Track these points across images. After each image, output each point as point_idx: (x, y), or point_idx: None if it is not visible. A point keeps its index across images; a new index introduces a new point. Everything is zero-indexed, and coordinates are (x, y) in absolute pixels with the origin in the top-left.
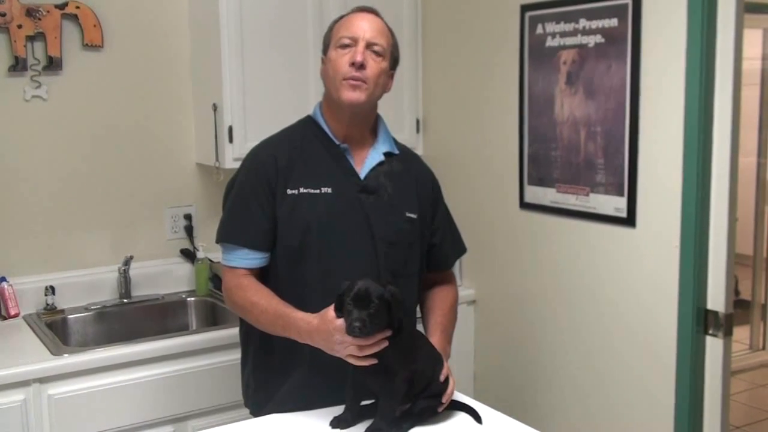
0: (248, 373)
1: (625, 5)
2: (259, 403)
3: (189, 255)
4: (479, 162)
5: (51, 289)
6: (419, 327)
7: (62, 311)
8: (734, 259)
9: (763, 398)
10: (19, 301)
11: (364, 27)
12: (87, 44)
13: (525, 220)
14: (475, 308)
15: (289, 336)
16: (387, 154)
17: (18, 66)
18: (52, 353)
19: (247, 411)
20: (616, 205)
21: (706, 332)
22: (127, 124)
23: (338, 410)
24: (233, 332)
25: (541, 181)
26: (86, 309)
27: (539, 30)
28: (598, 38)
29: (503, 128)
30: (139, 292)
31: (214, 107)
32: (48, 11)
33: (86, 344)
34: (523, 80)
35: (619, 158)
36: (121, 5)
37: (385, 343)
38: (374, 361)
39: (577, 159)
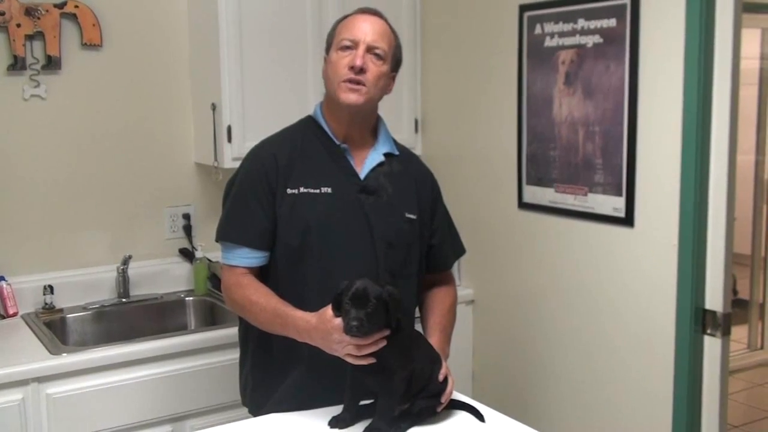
0: (247, 373)
1: (624, 5)
2: (257, 403)
3: (188, 254)
4: (478, 162)
5: (49, 289)
6: (418, 327)
7: (61, 310)
8: (732, 259)
9: (761, 397)
10: (17, 301)
11: (366, 29)
12: (86, 43)
13: (523, 220)
14: (474, 308)
15: (287, 335)
16: (387, 155)
17: (17, 65)
18: (51, 352)
19: (245, 410)
20: (614, 204)
21: (704, 332)
22: (125, 123)
23: (337, 410)
24: (232, 332)
25: (539, 181)
26: (85, 308)
27: (538, 30)
28: (597, 38)
29: (502, 128)
30: (137, 291)
31: (213, 107)
32: (47, 10)
33: (85, 344)
34: (521, 80)
35: (618, 158)
36: (120, 5)
37: (384, 343)
38: (372, 361)
39: (576, 159)
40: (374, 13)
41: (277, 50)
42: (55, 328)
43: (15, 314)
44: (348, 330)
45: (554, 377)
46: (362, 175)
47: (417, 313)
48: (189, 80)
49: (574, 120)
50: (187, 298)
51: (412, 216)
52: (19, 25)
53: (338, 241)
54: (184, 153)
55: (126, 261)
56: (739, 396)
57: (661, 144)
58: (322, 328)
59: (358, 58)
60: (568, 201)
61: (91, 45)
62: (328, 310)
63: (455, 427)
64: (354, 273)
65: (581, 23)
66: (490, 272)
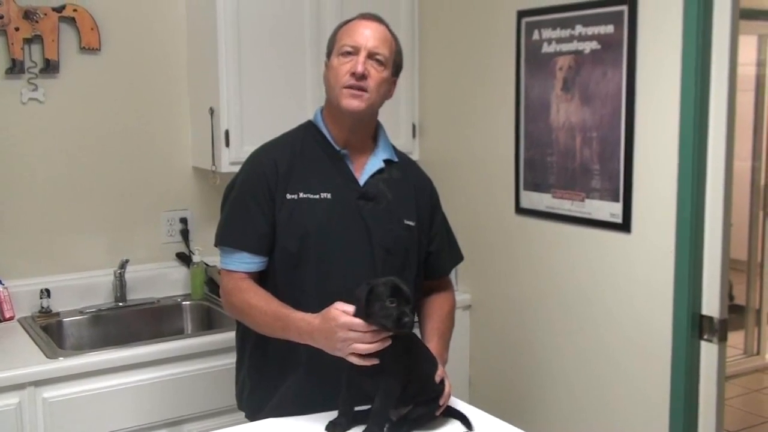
0: (243, 376)
1: (621, 12)
2: (254, 407)
3: (185, 259)
4: (475, 167)
5: (46, 292)
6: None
7: (57, 314)
8: (729, 265)
9: (757, 403)
10: (14, 304)
11: (367, 35)
12: (84, 47)
13: (521, 225)
14: (471, 313)
15: (288, 338)
16: (386, 162)
17: (15, 68)
18: (47, 356)
19: (241, 415)
20: (611, 210)
21: (701, 337)
22: (123, 127)
23: (334, 415)
24: (228, 336)
25: (536, 187)
26: (81, 312)
27: (535, 36)
28: (594, 44)
29: (499, 133)
30: (134, 295)
31: (211, 111)
32: (45, 14)
33: (81, 347)
34: (519, 86)
35: (615, 164)
36: (119, 9)
37: (389, 342)
38: (376, 361)
39: (573, 164)
40: (375, 18)
41: (276, 55)
42: (51, 332)
43: (12, 318)
44: (400, 325)
45: (551, 382)
46: (362, 181)
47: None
48: (187, 84)
49: (571, 126)
50: (183, 303)
51: (410, 223)
52: (17, 29)
53: (337, 247)
54: (182, 157)
55: (123, 265)
56: (736, 402)
57: (658, 150)
58: (326, 327)
59: (360, 64)
60: (566, 206)
61: (89, 49)
62: (332, 310)
63: None
64: (352, 279)
65: (579, 29)
66: (488, 277)
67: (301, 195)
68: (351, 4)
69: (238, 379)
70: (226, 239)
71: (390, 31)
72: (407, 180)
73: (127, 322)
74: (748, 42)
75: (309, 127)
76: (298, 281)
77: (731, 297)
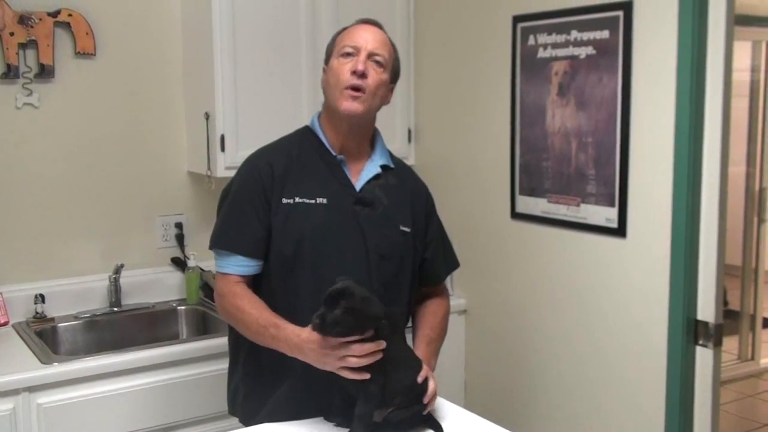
0: (237, 381)
1: (617, 17)
2: (249, 412)
3: (180, 263)
4: (471, 172)
5: (41, 298)
6: (410, 339)
7: (52, 320)
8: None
9: (751, 408)
10: (8, 309)
11: (367, 38)
12: (79, 52)
13: (516, 230)
14: (466, 318)
15: (277, 348)
16: (383, 168)
17: (10, 73)
18: (42, 362)
19: (236, 420)
20: (606, 215)
21: (696, 342)
22: (119, 132)
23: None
24: (223, 341)
25: (532, 192)
26: (76, 317)
27: (531, 41)
28: (590, 50)
29: (495, 138)
30: (129, 300)
31: (207, 116)
32: (40, 19)
33: (76, 353)
34: (515, 91)
35: (610, 169)
36: (114, 14)
37: (380, 355)
38: (367, 376)
39: (569, 169)
40: (374, 23)
41: (271, 60)
42: (46, 337)
43: (6, 323)
44: (318, 328)
45: (547, 387)
46: (358, 186)
47: (410, 325)
48: (182, 89)
49: (567, 131)
50: (179, 308)
51: (406, 229)
52: (12, 34)
53: (332, 252)
54: (177, 162)
55: (118, 270)
56: (730, 407)
57: (654, 155)
58: (314, 339)
59: (360, 63)
60: (561, 211)
61: (84, 53)
62: None
63: None
64: None
65: (574, 35)
66: (483, 282)
67: (297, 199)
68: (347, 10)
69: (231, 384)
70: (221, 242)
71: (388, 37)
72: (403, 186)
73: (122, 327)
74: (743, 48)
75: (306, 132)
76: (293, 286)
77: (725, 302)
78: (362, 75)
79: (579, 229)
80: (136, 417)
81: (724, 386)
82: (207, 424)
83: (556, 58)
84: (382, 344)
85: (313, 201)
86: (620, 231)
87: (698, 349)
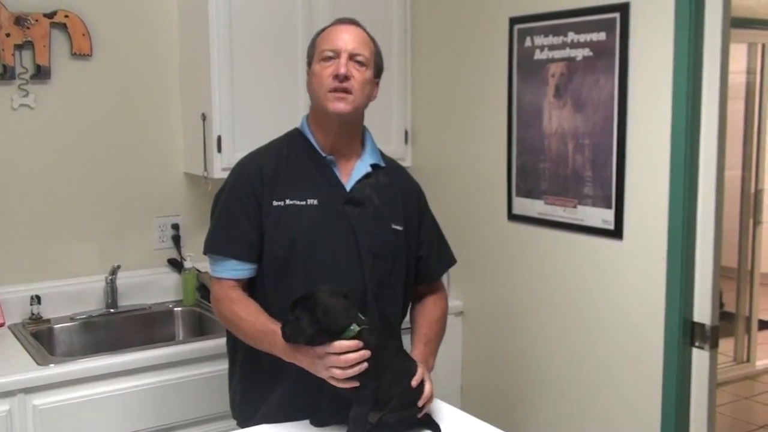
0: (235, 384)
1: (613, 19)
2: (245, 415)
3: (176, 265)
4: (467, 173)
5: (37, 299)
6: (407, 339)
7: (48, 321)
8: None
9: (747, 410)
10: (4, 311)
11: (346, 39)
12: (76, 53)
13: (513, 231)
14: (463, 319)
15: (274, 353)
16: (373, 166)
17: (6, 74)
18: (38, 363)
19: (233, 422)
20: (603, 217)
21: (692, 344)
22: (115, 133)
23: None
24: (220, 342)
25: (529, 193)
26: (72, 319)
27: (528, 43)
28: (587, 51)
29: (492, 140)
30: (125, 301)
31: (203, 117)
32: (37, 20)
33: (72, 354)
34: (511, 92)
35: (607, 171)
36: (111, 15)
37: (365, 366)
38: (355, 384)
39: (565, 171)
40: (351, 22)
41: (268, 60)
42: (42, 338)
43: (2, 325)
44: (285, 337)
45: (543, 389)
46: (348, 186)
47: (406, 325)
48: (179, 90)
49: (563, 132)
50: (175, 309)
51: (398, 227)
52: (8, 35)
53: (324, 253)
54: (174, 163)
55: (114, 271)
56: (725, 409)
57: (651, 157)
58: (305, 347)
59: (342, 66)
60: (558, 213)
61: (81, 55)
62: None
63: None
64: (340, 284)
65: (571, 36)
66: (480, 284)
67: (288, 201)
68: (343, 11)
69: (231, 387)
70: (214, 247)
71: (367, 33)
72: (394, 184)
73: (118, 328)
74: (738, 50)
75: (295, 134)
76: (286, 287)
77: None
78: (345, 78)
79: (576, 230)
80: (132, 418)
81: (719, 388)
82: (203, 425)
83: (553, 60)
84: (366, 354)
85: (303, 202)
86: (617, 233)
87: (694, 350)
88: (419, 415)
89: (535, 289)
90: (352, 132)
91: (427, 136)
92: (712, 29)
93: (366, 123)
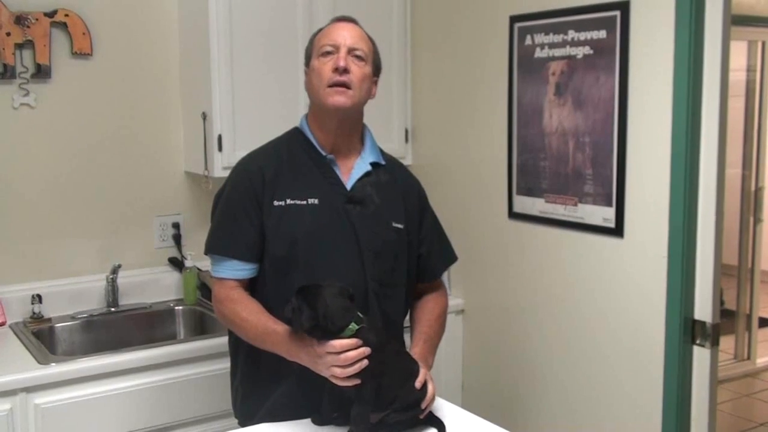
0: (237, 383)
1: (614, 17)
2: (247, 414)
3: (177, 264)
4: (468, 172)
5: (38, 298)
6: (407, 337)
7: (49, 320)
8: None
9: (747, 408)
10: (5, 310)
11: (345, 35)
12: (76, 52)
13: (513, 229)
14: (464, 318)
15: (277, 353)
16: (374, 165)
17: (6, 73)
18: (39, 362)
19: (235, 421)
20: (604, 215)
21: (693, 342)
22: (115, 132)
23: None
24: (221, 341)
25: (529, 191)
26: (73, 318)
27: (528, 41)
28: (587, 50)
29: (492, 138)
30: (126, 300)
31: (204, 116)
32: (37, 19)
33: (73, 353)
34: (512, 91)
35: (608, 169)
36: (111, 14)
37: (365, 363)
38: (357, 381)
39: (566, 169)
40: (350, 20)
41: (268, 60)
42: (43, 337)
43: (3, 324)
44: (287, 323)
45: (544, 387)
46: (349, 185)
47: (407, 323)
48: (179, 89)
49: (564, 130)
50: (176, 308)
51: (399, 225)
52: (8, 34)
53: (325, 252)
54: (174, 162)
55: (115, 270)
56: (726, 406)
57: (651, 155)
58: (309, 343)
59: (341, 59)
60: (559, 211)
61: (81, 54)
62: None
63: None
64: (341, 283)
65: (571, 34)
66: (480, 282)
67: (288, 201)
68: (343, 11)
69: (233, 386)
70: (215, 248)
71: (365, 32)
72: (395, 182)
73: (119, 327)
74: (738, 48)
75: (295, 133)
76: (287, 287)
77: (722, 302)
78: (345, 71)
79: (576, 228)
80: (133, 417)
81: (720, 386)
82: (204, 424)
83: (553, 58)
84: (366, 351)
85: (304, 202)
86: (617, 231)
87: (695, 348)
88: (421, 416)
89: (535, 288)
90: (352, 129)
91: (428, 135)
92: (712, 27)
93: (366, 121)
